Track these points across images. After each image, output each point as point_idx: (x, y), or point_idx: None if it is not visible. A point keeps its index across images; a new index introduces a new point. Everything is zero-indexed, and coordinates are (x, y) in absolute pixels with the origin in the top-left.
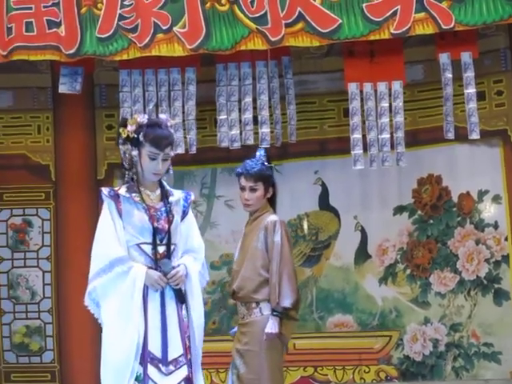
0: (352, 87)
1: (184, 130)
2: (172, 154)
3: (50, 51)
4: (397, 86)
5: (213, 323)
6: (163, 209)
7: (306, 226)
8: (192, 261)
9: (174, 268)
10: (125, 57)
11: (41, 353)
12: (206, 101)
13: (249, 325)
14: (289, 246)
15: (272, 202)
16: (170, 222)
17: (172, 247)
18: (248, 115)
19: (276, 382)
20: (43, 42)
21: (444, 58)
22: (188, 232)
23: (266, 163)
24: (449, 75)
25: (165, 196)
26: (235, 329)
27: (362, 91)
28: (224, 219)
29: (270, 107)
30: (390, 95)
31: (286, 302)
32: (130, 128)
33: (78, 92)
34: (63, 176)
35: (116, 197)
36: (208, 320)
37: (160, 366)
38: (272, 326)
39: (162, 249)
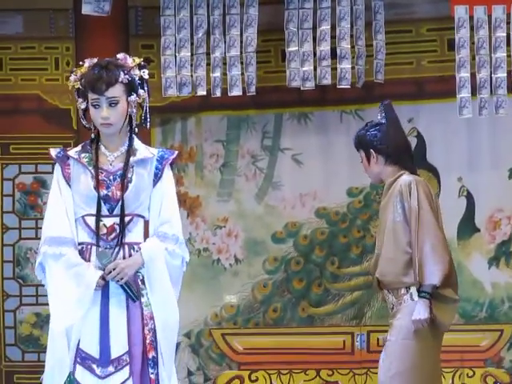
0: (459, 11)
1: (242, 64)
2: (133, 98)
3: None
4: None
5: (273, 311)
6: (119, 172)
7: None
8: (156, 242)
9: (111, 261)
10: None
11: None
12: (271, 28)
13: (396, 313)
14: (431, 210)
15: (401, 163)
16: (123, 188)
17: (128, 219)
18: (325, 47)
19: (430, 380)
20: None
21: None
22: (161, 200)
23: (384, 119)
24: None
25: (129, 156)
26: None
27: (472, 17)
28: (290, 178)
29: (351, 37)
30: (508, 22)
31: (432, 279)
32: (73, 77)
33: (107, 14)
34: None
35: (64, 159)
36: (268, 306)
37: (94, 367)
38: (419, 311)
39: (111, 221)
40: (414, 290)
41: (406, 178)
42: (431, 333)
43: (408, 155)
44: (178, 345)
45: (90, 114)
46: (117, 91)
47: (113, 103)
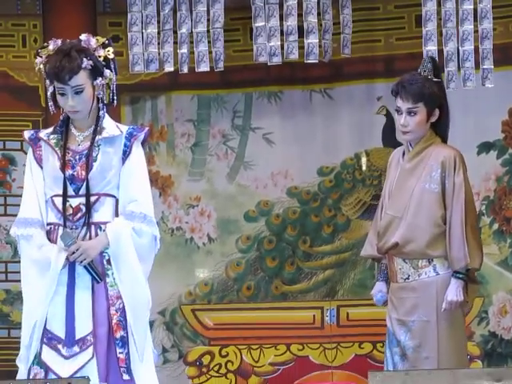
0: None
1: (209, 42)
2: (99, 82)
3: None
4: None
5: (247, 289)
6: (85, 152)
7: (365, 168)
8: (122, 221)
9: (74, 242)
10: None
11: None
12: (239, 6)
13: (416, 287)
14: (471, 189)
15: (440, 128)
16: (88, 168)
17: (94, 199)
18: (292, 22)
19: (460, 362)
20: None
21: None
22: (129, 178)
23: (431, 76)
24: None
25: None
26: (381, 294)
27: None
28: (262, 158)
29: (318, 14)
30: None
31: (476, 263)
32: (38, 60)
33: None
34: None
35: (36, 140)
36: (241, 284)
37: (60, 347)
38: (457, 292)
39: (77, 201)
40: (438, 263)
41: (448, 149)
42: (459, 313)
43: (445, 124)
44: (152, 323)
45: (58, 100)
46: (80, 79)
47: (78, 91)
